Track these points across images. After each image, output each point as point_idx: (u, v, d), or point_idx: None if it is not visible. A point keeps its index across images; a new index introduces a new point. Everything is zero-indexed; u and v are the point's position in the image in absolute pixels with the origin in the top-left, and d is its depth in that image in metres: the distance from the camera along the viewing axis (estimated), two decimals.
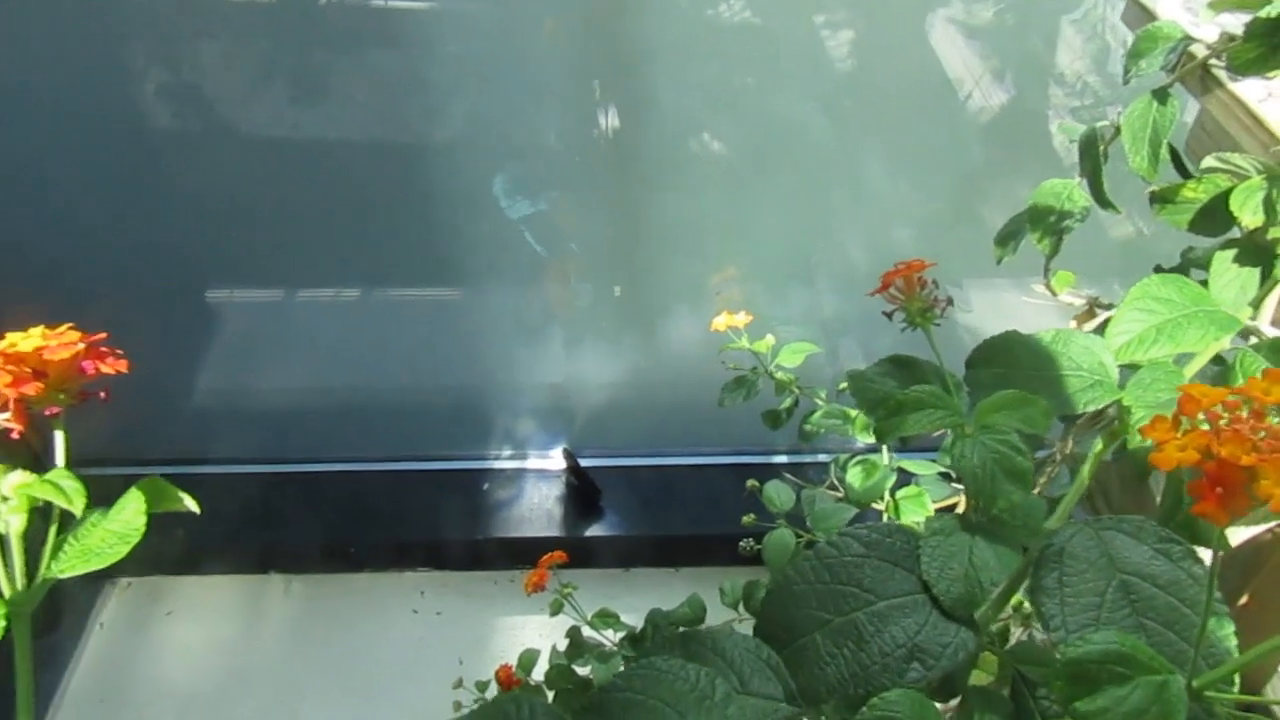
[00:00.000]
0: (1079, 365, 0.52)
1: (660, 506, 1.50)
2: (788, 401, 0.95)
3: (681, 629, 0.85)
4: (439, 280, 1.44)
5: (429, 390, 1.54)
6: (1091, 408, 0.50)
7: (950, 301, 0.52)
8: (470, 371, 1.52)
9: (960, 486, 0.88)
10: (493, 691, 0.91)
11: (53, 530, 0.39)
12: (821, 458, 1.47)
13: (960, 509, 0.86)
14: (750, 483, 0.93)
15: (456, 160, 1.30)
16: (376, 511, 1.51)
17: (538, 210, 1.34)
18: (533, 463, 1.57)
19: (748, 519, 0.90)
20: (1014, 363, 0.53)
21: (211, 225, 1.33)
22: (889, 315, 0.53)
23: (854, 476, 0.85)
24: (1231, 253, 0.58)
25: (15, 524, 0.37)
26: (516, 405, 1.56)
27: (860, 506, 0.85)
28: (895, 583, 0.46)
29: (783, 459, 1.52)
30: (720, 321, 0.94)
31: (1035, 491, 0.71)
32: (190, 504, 0.43)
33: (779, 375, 0.95)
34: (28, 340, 0.39)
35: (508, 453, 1.57)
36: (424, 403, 1.55)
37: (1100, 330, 0.56)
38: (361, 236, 1.37)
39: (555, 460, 1.56)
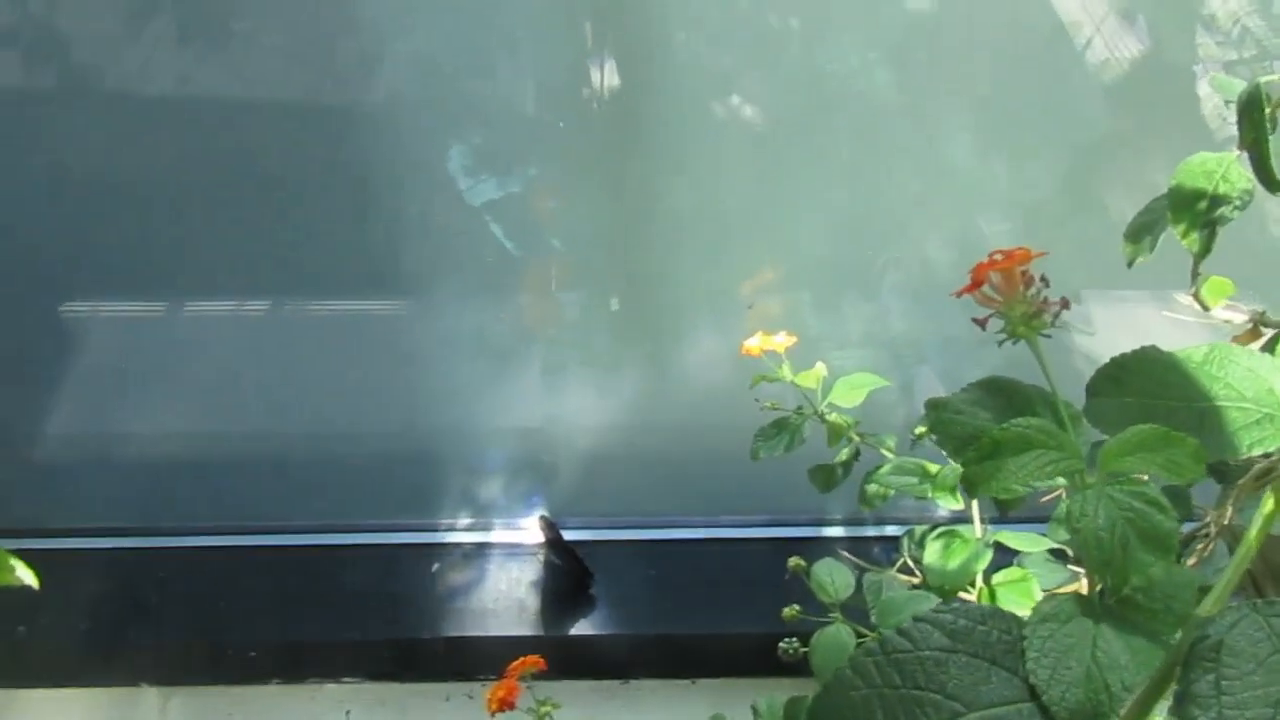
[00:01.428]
0: (1241, 394, 0.52)
1: (672, 595, 1.48)
2: (844, 453, 0.97)
3: None
4: (374, 288, 1.44)
5: (358, 438, 1.54)
6: (1258, 451, 0.50)
7: (1066, 304, 0.53)
8: (415, 412, 1.52)
9: (1080, 569, 0.90)
10: None
11: None
12: (890, 531, 1.48)
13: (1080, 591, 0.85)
14: (794, 562, 0.94)
15: (399, 127, 1.31)
16: (287, 601, 1.48)
17: (508, 194, 1.35)
18: (499, 535, 1.55)
19: (790, 612, 0.91)
20: (1153, 389, 0.53)
21: (67, 214, 1.32)
22: (981, 323, 0.53)
23: (935, 555, 0.86)
24: None
25: None
26: (478, 457, 1.55)
27: (943, 595, 0.86)
28: (991, 687, 0.46)
29: (837, 532, 1.51)
30: (754, 344, 0.96)
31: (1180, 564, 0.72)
32: (25, 576, 0.42)
33: (832, 418, 0.96)
34: None
35: (465, 522, 1.56)
36: (351, 455, 1.54)
37: (1270, 349, 0.57)
38: (271, 229, 1.37)
39: (529, 532, 1.54)
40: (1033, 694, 0.46)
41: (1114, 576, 0.46)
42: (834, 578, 0.91)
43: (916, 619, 0.48)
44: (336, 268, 1.43)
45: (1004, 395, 0.55)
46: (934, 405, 0.56)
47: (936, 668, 0.46)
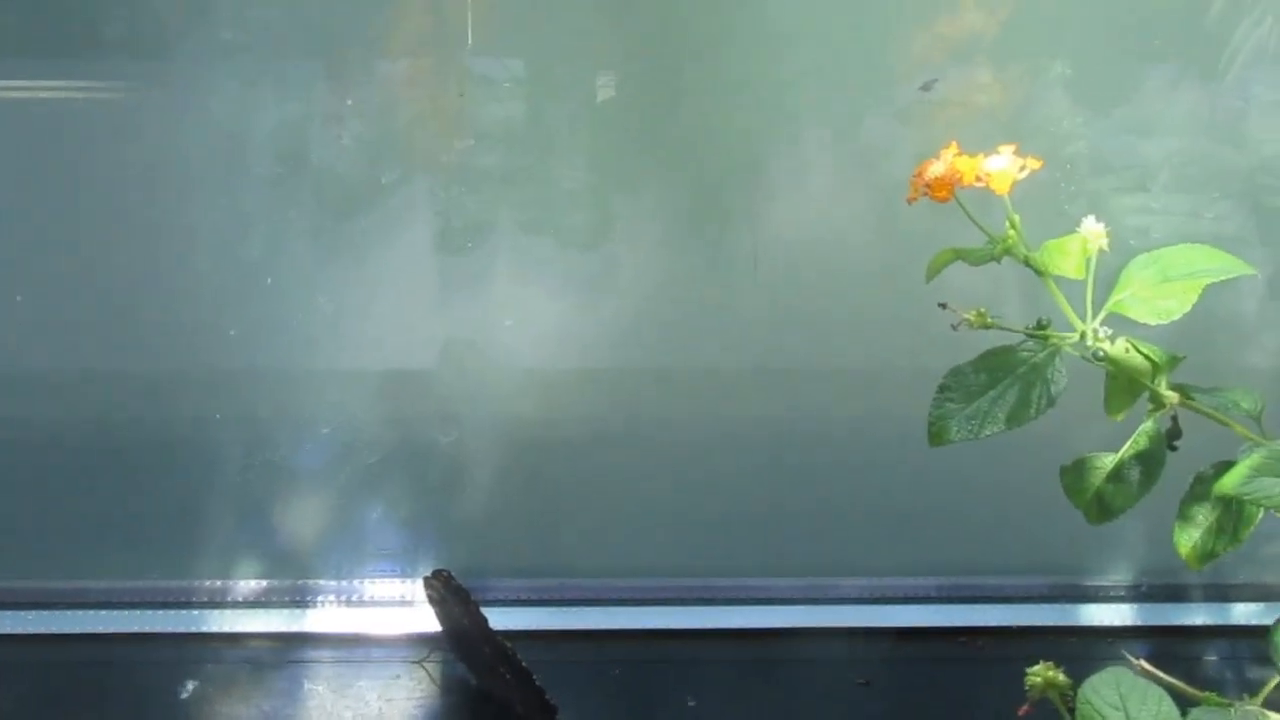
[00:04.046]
0: None
1: None
2: (1145, 431, 0.72)
3: None
4: (54, 50, 1.09)
5: (35, 397, 1.16)
6: None
7: None
8: (158, 339, 1.13)
9: None
10: None
11: None
12: (1239, 614, 1.14)
13: None
14: (1039, 675, 0.69)
15: None
16: None
17: None
18: (334, 617, 1.15)
19: None
20: None
21: None
22: None
23: None
24: None
25: None
26: (290, 440, 1.15)
27: None
28: None
29: (1117, 616, 1.12)
30: (939, 173, 0.71)
31: None
32: None
33: (1116, 351, 0.71)
34: None
35: (257, 587, 1.16)
36: (14, 435, 1.16)
37: None
38: None
39: (409, 611, 1.15)
40: None
41: None
42: (1134, 710, 0.66)
43: None
44: None
45: None
46: None
47: None
